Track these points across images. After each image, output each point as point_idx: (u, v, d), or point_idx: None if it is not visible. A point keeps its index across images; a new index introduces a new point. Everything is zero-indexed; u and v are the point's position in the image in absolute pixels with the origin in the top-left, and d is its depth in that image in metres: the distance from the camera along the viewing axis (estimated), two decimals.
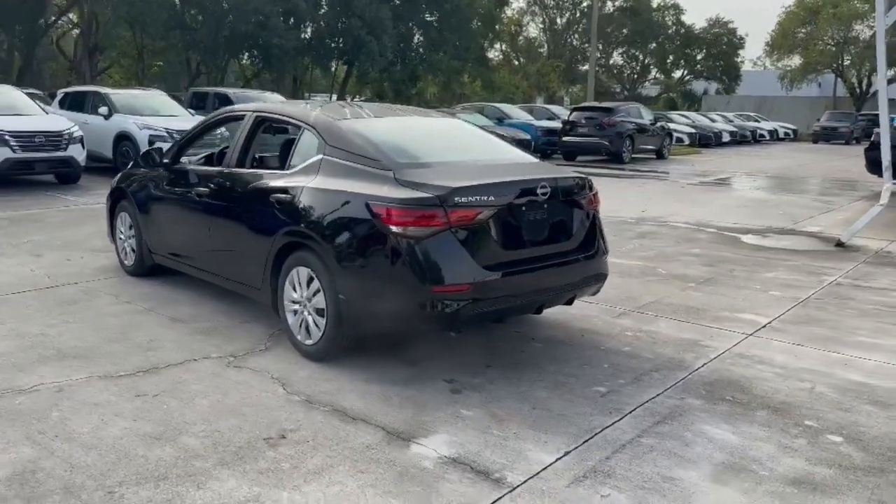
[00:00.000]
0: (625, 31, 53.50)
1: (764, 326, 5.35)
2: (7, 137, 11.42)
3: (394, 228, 3.86)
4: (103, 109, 14.13)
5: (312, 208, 4.29)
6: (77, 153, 12.24)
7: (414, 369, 4.32)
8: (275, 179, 4.66)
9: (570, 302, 4.70)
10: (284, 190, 4.49)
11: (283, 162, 4.91)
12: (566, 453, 3.35)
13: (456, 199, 3.88)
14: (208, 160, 5.86)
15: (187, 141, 5.85)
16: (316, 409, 3.75)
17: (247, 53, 29.24)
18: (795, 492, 3.06)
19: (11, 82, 26.24)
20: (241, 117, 5.29)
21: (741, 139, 33.90)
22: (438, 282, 3.85)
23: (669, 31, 54.22)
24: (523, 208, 4.18)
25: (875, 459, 3.36)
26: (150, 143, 12.47)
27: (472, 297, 3.93)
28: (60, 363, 4.31)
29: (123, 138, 13.66)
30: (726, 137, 32.31)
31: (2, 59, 28.31)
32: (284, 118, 4.99)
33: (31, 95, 15.70)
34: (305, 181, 4.40)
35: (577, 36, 54.16)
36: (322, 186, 4.28)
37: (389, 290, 3.94)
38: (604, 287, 4.87)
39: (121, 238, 6.48)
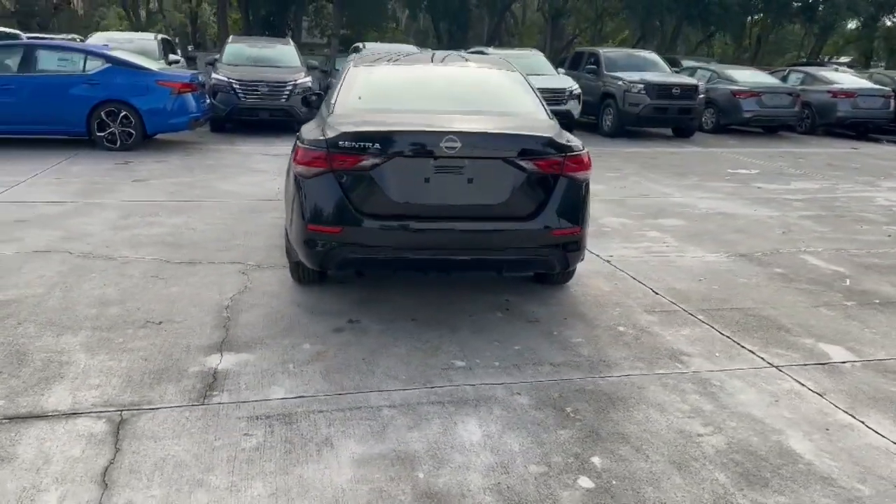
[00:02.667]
0: None
1: (819, 363, 3.94)
2: None
3: (297, 167, 4.18)
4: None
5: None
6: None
7: (348, 305, 4.56)
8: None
9: (499, 271, 4.26)
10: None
11: None
12: (283, 398, 3.36)
13: (340, 143, 3.97)
14: None
15: None
16: (215, 314, 4.37)
17: (685, 16, 28.01)
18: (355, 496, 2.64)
19: (482, 42, 30.49)
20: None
21: None
22: (312, 220, 4.04)
23: None
24: (432, 161, 3.99)
25: None
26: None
27: (343, 241, 4.02)
28: (164, 248, 5.72)
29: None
30: None
31: (474, 22, 32.95)
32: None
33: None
34: (314, 123, 4.88)
35: None
36: (308, 126, 4.74)
37: (292, 224, 4.28)
38: (721, 281, 4.33)
39: None
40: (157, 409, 3.22)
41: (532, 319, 4.44)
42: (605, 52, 16.21)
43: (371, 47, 15.96)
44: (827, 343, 4.22)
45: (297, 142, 4.23)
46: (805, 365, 3.91)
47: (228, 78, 12.85)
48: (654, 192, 8.88)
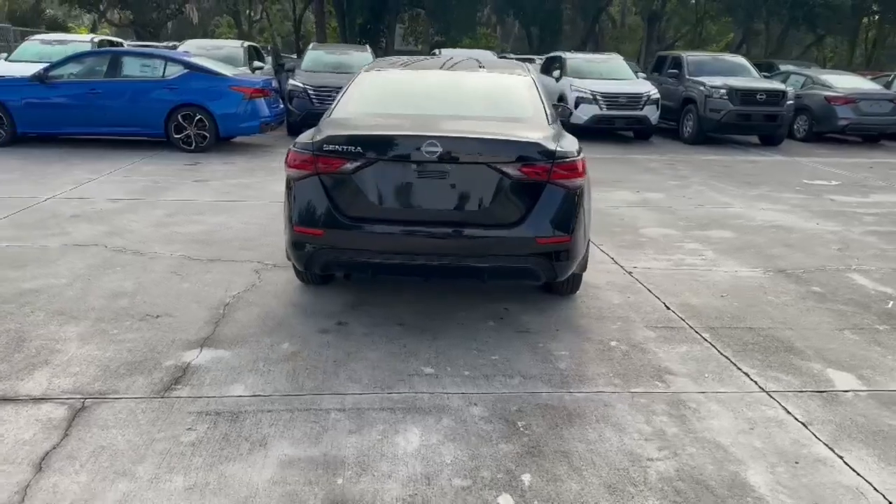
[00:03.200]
0: None
1: (818, 391, 3.64)
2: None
3: (287, 170, 4.25)
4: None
5: None
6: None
7: (343, 307, 4.60)
8: None
9: (481, 279, 4.17)
10: None
11: None
12: (239, 396, 3.42)
13: (325, 147, 4.01)
14: None
15: None
16: (212, 311, 4.51)
17: (789, 18, 26.36)
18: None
19: (575, 48, 30.10)
20: None
21: None
22: (298, 222, 4.09)
23: None
24: (414, 165, 3.96)
25: None
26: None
27: (326, 244, 4.05)
28: (194, 245, 5.95)
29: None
30: None
31: (568, 28, 32.48)
32: None
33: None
34: (314, 128, 4.97)
35: None
36: (307, 131, 4.82)
37: (285, 226, 4.35)
38: (745, 298, 4.64)
39: None
40: (119, 399, 3.34)
41: (523, 330, 4.32)
42: (688, 55, 15.61)
43: (446, 53, 16.06)
44: (837, 369, 3.89)
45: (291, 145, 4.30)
46: (801, 391, 3.61)
47: (304, 84, 13.23)
48: (712, 202, 8.47)
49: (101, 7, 30.54)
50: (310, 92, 13.17)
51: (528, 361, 3.88)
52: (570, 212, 4.03)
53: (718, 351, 4.09)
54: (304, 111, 13.16)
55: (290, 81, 13.50)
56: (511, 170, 3.92)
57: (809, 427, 3.26)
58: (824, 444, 3.12)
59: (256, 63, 15.21)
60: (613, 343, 4.16)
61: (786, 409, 3.43)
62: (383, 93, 4.79)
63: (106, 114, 10.87)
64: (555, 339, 4.20)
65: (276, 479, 2.76)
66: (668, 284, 5.26)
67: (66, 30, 31.17)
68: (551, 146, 3.99)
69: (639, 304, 4.82)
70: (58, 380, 3.51)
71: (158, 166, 9.79)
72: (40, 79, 10.89)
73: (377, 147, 3.96)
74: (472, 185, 3.95)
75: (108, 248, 5.74)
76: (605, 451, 3.02)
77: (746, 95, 13.63)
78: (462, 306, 4.65)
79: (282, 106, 12.51)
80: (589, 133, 14.29)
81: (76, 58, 11.40)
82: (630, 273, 5.51)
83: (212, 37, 41.16)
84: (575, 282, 4.76)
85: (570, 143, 4.20)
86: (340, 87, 13.11)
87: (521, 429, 3.18)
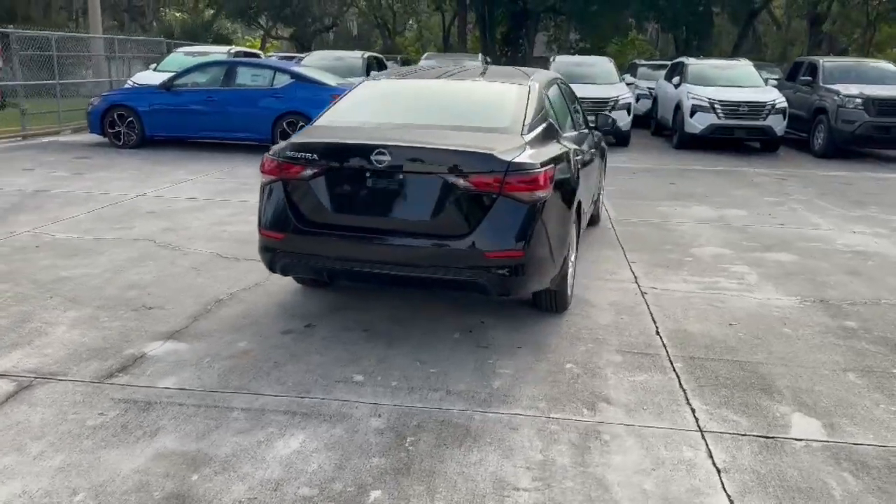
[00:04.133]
0: None
1: (764, 436, 3.26)
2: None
3: (261, 175, 4.43)
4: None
5: None
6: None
7: (321, 310, 4.71)
8: None
9: (429, 289, 4.09)
10: None
11: None
12: (166, 388, 3.60)
13: (288, 153, 4.14)
14: None
15: None
16: (202, 306, 4.78)
17: None
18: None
19: (727, 54, 28.51)
20: None
21: None
22: (264, 225, 4.25)
23: None
24: (367, 174, 3.99)
25: None
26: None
27: (285, 248, 4.17)
28: (231, 244, 6.32)
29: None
30: None
31: (715, 32, 30.65)
32: None
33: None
34: None
35: None
36: None
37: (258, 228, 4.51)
38: (755, 328, 4.43)
39: None
40: (62, 381, 3.64)
41: (484, 345, 4.21)
42: (825, 60, 14.33)
43: (560, 59, 15.83)
44: (806, 414, 3.45)
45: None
46: (743, 435, 3.24)
47: None
48: (799, 222, 7.74)
49: (265, 23, 32.98)
50: None
51: (465, 377, 3.77)
52: (525, 226, 3.88)
53: (680, 383, 3.76)
54: None
55: None
56: (461, 180, 3.84)
57: (723, 474, 2.93)
58: (727, 495, 2.79)
59: (373, 73, 15.77)
60: (569, 366, 3.94)
61: (710, 452, 3.09)
62: (370, 102, 4.84)
63: (220, 119, 11.75)
64: (511, 356, 4.05)
65: (140, 468, 2.90)
66: (678, 308, 4.89)
67: (230, 43, 33.93)
68: (506, 157, 3.86)
69: (627, 327, 4.53)
70: (28, 359, 3.87)
71: (255, 169, 10.37)
72: (166, 87, 11.99)
73: (331, 155, 4.03)
74: (423, 194, 3.91)
75: (156, 244, 6.22)
76: (476, 475, 2.89)
77: (886, 105, 12.30)
78: (439, 316, 4.60)
79: None
80: (709, 143, 13.55)
81: (198, 68, 12.43)
82: (644, 294, 5.18)
83: (373, 49, 43.23)
84: (558, 299, 4.56)
85: (536, 156, 4.03)
86: None
87: (407, 444, 3.11)
